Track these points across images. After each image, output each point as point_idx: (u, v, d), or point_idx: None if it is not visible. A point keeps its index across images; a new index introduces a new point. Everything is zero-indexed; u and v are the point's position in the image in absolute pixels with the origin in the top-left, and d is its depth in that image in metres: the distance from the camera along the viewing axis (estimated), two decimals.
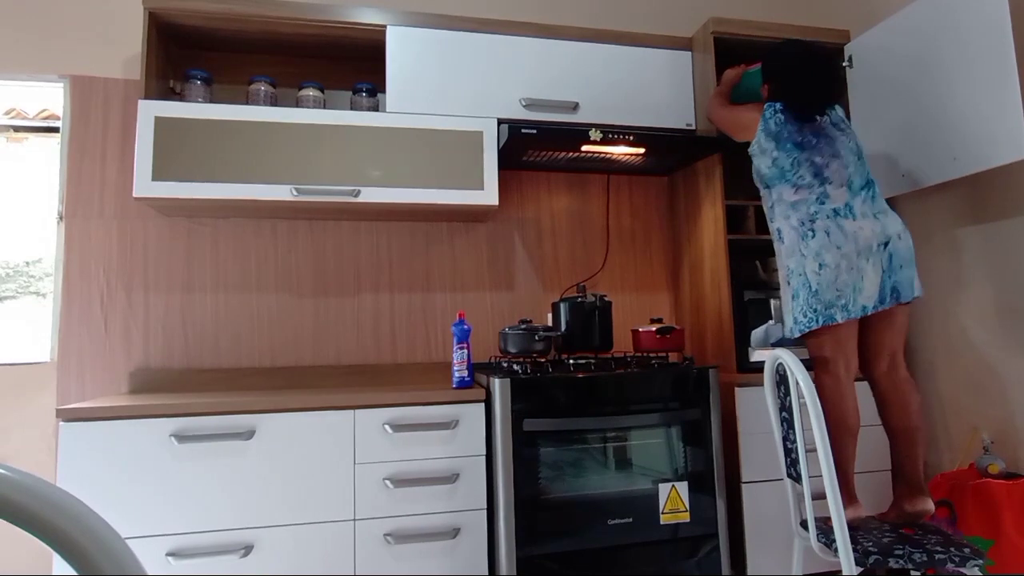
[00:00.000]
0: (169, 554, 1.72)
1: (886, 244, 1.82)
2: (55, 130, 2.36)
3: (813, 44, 2.03)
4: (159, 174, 2.01)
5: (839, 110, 2.02)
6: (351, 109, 2.31)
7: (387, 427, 1.90)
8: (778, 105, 1.96)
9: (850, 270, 1.80)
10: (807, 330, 1.84)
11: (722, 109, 2.17)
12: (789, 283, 1.91)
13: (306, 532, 1.82)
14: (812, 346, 1.88)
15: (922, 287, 1.92)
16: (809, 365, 1.82)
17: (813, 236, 1.85)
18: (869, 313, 1.81)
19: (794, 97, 1.94)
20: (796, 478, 1.73)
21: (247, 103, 2.26)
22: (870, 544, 1.64)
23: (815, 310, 1.82)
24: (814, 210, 1.87)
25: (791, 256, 1.90)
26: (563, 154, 2.38)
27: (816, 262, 1.83)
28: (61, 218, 2.26)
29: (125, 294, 2.27)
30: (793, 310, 1.89)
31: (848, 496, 1.77)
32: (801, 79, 1.94)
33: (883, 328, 1.87)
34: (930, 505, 1.77)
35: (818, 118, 1.93)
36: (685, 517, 2.00)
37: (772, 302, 2.34)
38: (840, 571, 1.55)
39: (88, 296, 2.24)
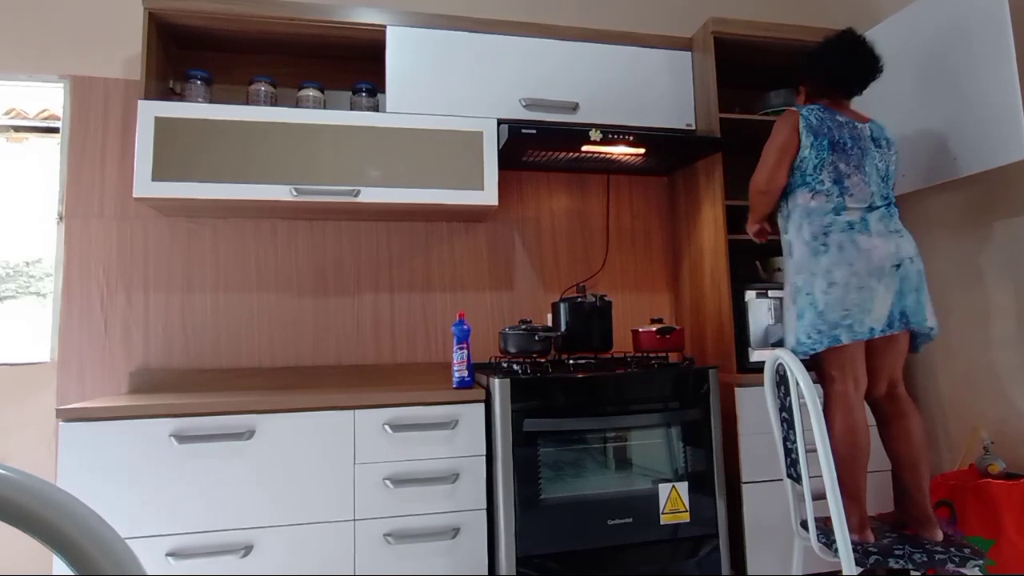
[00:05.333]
0: (169, 554, 1.72)
1: (898, 266, 1.75)
2: (55, 130, 2.36)
3: (845, 31, 1.95)
4: (159, 174, 2.01)
5: (885, 131, 1.93)
6: (351, 109, 2.31)
7: (387, 427, 1.90)
8: (815, 106, 1.89)
9: (860, 289, 1.72)
10: (811, 352, 1.76)
11: (762, 169, 1.91)
12: (795, 301, 1.82)
13: (306, 532, 1.82)
14: (818, 364, 1.82)
15: (936, 327, 1.82)
16: (810, 369, 1.79)
17: (826, 251, 1.77)
18: (876, 336, 1.74)
19: (834, 76, 1.89)
20: (796, 478, 1.73)
21: (247, 103, 2.27)
22: (870, 544, 1.64)
23: (819, 331, 1.74)
24: (829, 221, 1.79)
25: (799, 273, 1.82)
26: (563, 154, 2.37)
27: (826, 280, 1.75)
28: (61, 218, 2.26)
29: (125, 294, 2.27)
30: (797, 330, 1.80)
31: (859, 522, 1.70)
32: (838, 58, 1.89)
33: (885, 350, 1.81)
34: (939, 535, 1.70)
35: (858, 126, 1.87)
36: (685, 517, 2.00)
37: (772, 302, 2.34)
38: (840, 571, 1.55)
39: (88, 296, 2.24)
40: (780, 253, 2.54)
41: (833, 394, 1.78)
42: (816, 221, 1.81)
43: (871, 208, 1.82)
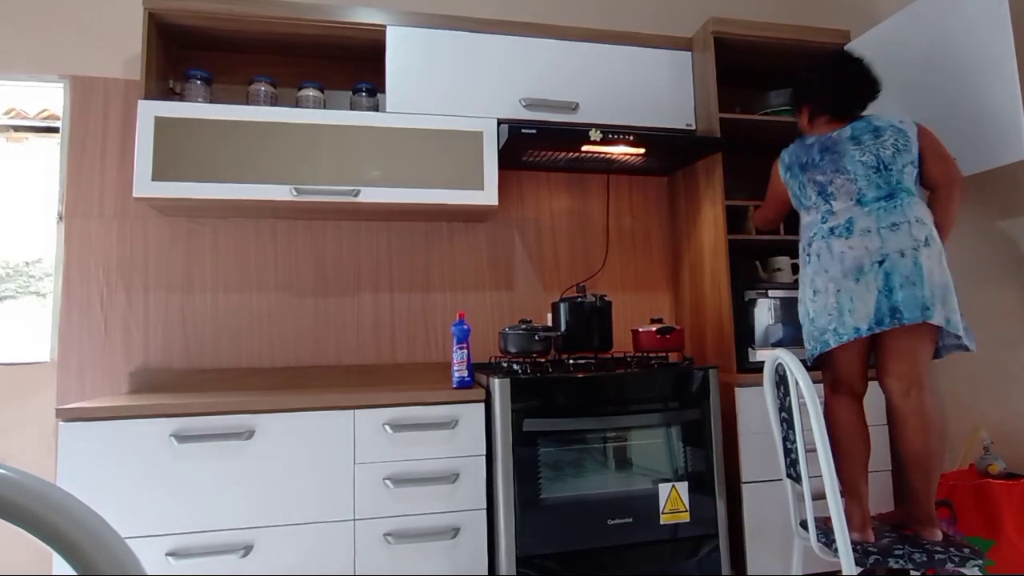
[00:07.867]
0: (169, 554, 1.72)
1: (882, 262, 1.71)
2: (55, 130, 2.36)
3: (839, 51, 2.05)
4: (159, 174, 2.01)
5: (874, 120, 1.85)
6: (351, 109, 2.31)
7: (387, 427, 1.90)
8: (793, 144, 1.98)
9: (838, 292, 1.76)
10: (814, 357, 1.84)
11: (761, 209, 2.19)
12: (799, 313, 1.93)
13: (306, 532, 1.82)
14: (819, 366, 1.89)
15: (954, 320, 1.70)
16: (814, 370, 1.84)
17: (808, 262, 1.86)
18: (864, 335, 1.71)
19: (829, 100, 1.93)
20: (796, 478, 1.73)
21: (247, 103, 2.26)
22: (870, 544, 1.64)
23: (814, 338, 1.82)
24: (813, 232, 1.86)
25: (798, 286, 1.93)
26: (563, 154, 2.37)
27: (811, 289, 1.83)
28: (61, 218, 2.26)
29: (125, 294, 2.27)
30: (805, 338, 1.89)
31: (861, 521, 1.70)
32: (832, 82, 1.93)
33: (893, 347, 1.75)
34: (939, 535, 1.69)
35: (832, 135, 1.87)
36: (685, 517, 2.00)
37: (772, 302, 2.34)
38: (840, 571, 1.55)
39: (88, 296, 2.24)
40: (780, 253, 2.56)
41: (828, 395, 1.86)
42: (805, 234, 1.92)
43: (860, 203, 1.78)
